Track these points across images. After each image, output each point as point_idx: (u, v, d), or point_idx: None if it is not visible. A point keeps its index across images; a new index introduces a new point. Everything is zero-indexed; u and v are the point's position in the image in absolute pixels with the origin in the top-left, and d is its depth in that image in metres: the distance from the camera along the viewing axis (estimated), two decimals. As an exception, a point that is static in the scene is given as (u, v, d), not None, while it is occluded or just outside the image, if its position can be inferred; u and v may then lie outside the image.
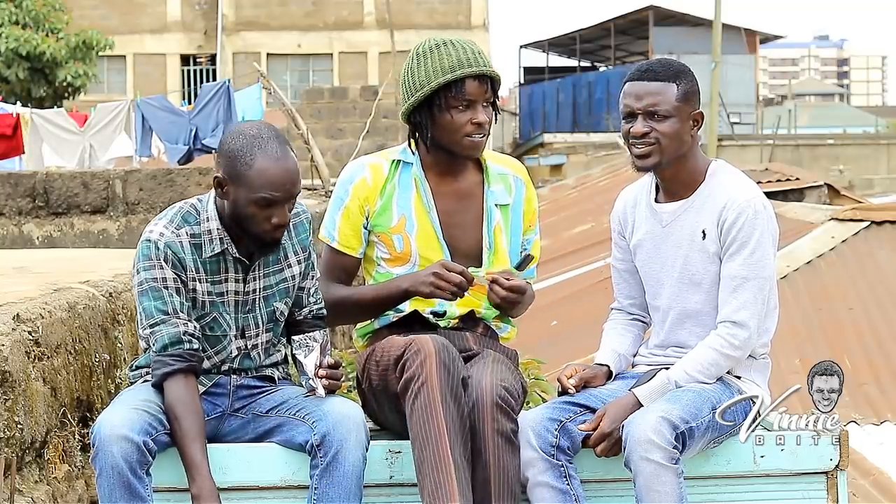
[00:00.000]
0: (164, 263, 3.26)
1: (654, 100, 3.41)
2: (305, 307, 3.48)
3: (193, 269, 3.30)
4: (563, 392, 3.45)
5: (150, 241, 3.29)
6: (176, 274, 3.27)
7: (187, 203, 3.39)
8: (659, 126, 3.41)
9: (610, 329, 3.64)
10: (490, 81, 3.53)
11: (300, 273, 3.45)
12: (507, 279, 3.47)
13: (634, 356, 3.60)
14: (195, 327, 3.28)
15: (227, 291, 3.35)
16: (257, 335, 3.40)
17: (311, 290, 3.49)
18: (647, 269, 3.55)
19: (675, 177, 3.48)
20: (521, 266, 3.60)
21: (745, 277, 3.37)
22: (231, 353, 3.38)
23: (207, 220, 3.32)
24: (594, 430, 3.31)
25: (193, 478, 3.15)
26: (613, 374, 3.53)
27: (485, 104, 3.52)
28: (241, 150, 3.24)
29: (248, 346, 3.40)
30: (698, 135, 3.47)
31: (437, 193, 3.59)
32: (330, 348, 3.38)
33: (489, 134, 3.57)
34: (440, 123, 3.52)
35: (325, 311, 3.53)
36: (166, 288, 3.26)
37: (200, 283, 3.31)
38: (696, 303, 3.45)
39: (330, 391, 3.29)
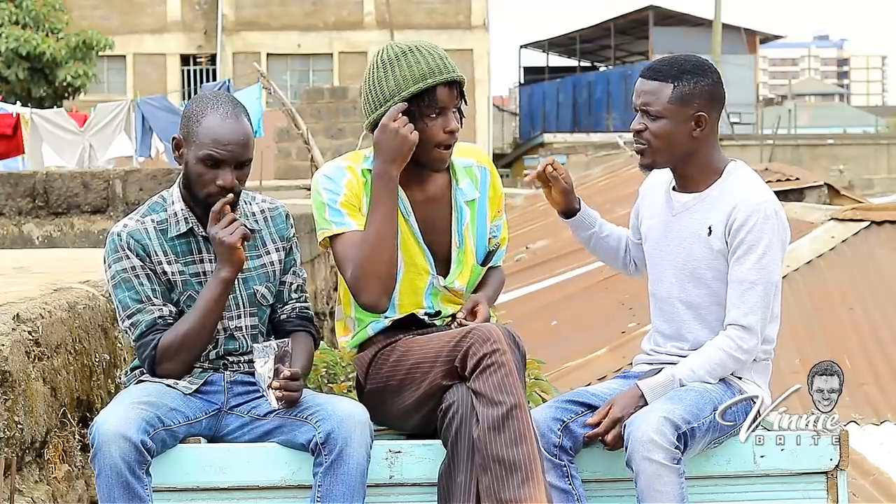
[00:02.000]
0: (129, 253, 3.34)
1: (648, 99, 3.43)
2: (287, 304, 3.50)
3: (161, 254, 3.36)
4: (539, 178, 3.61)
5: (113, 233, 3.37)
6: (141, 261, 3.33)
7: (157, 195, 3.47)
8: (651, 125, 3.42)
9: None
10: (458, 86, 3.45)
11: (280, 262, 3.48)
12: (474, 310, 3.47)
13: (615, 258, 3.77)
14: (171, 311, 3.34)
15: (203, 272, 3.39)
16: (239, 316, 3.42)
17: (294, 287, 3.51)
18: (652, 253, 3.57)
19: (684, 173, 3.49)
20: (485, 261, 3.60)
21: (754, 282, 3.37)
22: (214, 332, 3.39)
23: (173, 204, 3.41)
24: (600, 422, 3.30)
25: (215, 282, 3.31)
26: (579, 208, 3.66)
27: (454, 110, 3.44)
28: (195, 109, 3.34)
29: (232, 327, 3.41)
30: (713, 133, 3.46)
31: (412, 200, 3.50)
32: (290, 358, 3.29)
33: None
34: None
35: (311, 313, 3.53)
36: (136, 277, 3.33)
37: (171, 265, 3.36)
38: (696, 296, 3.46)
39: (288, 404, 3.25)
